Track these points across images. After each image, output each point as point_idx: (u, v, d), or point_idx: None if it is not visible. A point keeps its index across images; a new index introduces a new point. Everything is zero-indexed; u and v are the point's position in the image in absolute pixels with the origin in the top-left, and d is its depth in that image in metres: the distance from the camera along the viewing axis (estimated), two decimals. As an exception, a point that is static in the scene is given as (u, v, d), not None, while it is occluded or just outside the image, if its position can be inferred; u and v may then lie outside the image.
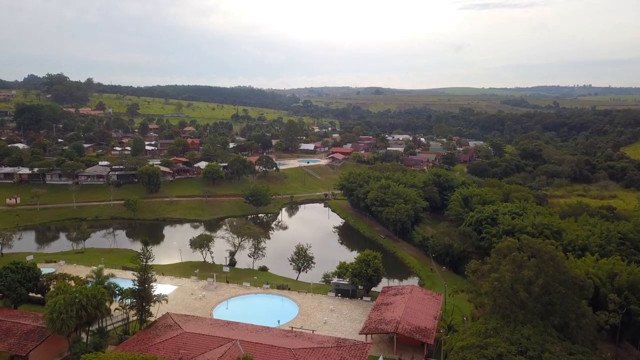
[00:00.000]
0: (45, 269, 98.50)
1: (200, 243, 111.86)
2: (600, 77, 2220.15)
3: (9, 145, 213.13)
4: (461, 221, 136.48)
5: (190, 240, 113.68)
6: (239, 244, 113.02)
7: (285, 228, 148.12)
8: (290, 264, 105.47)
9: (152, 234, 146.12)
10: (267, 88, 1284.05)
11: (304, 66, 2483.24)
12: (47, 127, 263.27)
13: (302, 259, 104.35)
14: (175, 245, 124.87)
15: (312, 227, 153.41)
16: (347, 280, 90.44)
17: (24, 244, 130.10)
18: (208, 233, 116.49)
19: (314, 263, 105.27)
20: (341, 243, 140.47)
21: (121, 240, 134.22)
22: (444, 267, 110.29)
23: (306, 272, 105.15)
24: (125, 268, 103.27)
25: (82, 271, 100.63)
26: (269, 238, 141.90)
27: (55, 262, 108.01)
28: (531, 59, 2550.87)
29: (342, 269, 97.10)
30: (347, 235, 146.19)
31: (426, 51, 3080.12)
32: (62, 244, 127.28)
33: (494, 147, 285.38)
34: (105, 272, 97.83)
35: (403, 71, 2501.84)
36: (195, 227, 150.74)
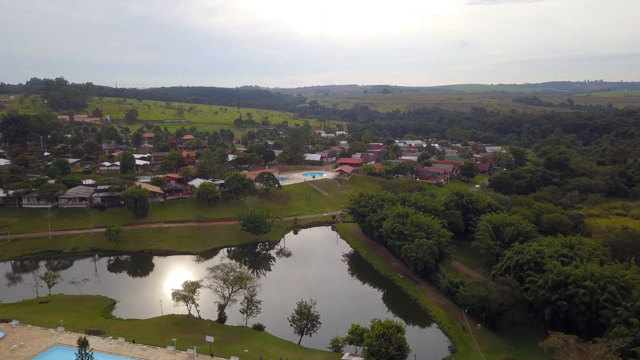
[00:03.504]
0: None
1: (183, 295, 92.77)
2: (611, 72, 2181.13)
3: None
4: (491, 256, 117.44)
5: (173, 291, 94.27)
6: (230, 295, 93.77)
7: (287, 257, 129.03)
8: (291, 325, 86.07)
9: (134, 270, 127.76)
10: (273, 87, 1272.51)
11: (310, 64, 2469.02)
12: (34, 139, 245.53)
13: (305, 319, 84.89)
14: (157, 290, 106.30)
15: (317, 260, 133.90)
16: (363, 358, 70.85)
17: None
18: (194, 279, 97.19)
19: (320, 323, 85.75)
20: (352, 284, 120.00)
21: (95, 283, 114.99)
22: (479, 325, 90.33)
23: (310, 335, 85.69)
24: (90, 332, 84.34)
25: (36, 337, 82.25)
26: (266, 274, 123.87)
27: (7, 321, 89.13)
28: (538, 54, 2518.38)
29: (355, 335, 78.06)
30: (359, 271, 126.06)
31: (432, 47, 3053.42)
32: (26, 289, 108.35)
33: (515, 154, 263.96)
34: (62, 337, 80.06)
35: (409, 68, 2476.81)
36: (184, 263, 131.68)
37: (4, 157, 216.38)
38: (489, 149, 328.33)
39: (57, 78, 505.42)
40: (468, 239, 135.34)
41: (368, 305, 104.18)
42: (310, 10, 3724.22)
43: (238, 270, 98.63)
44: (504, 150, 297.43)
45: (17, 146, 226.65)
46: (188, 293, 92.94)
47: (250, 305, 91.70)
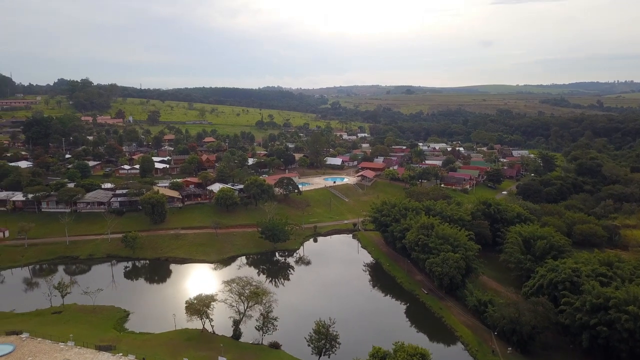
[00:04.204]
0: (1, 347, 79.35)
1: (197, 309, 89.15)
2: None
3: (11, 164, 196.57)
4: (522, 271, 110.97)
5: (187, 303, 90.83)
6: (245, 311, 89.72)
7: (306, 266, 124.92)
8: (309, 345, 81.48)
9: (149, 279, 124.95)
10: (295, 88, 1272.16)
11: (331, 64, 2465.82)
12: (56, 141, 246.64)
13: (323, 339, 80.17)
14: (172, 301, 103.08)
15: (337, 271, 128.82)
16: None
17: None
18: (209, 291, 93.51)
19: (339, 344, 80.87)
20: (374, 299, 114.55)
21: (110, 291, 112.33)
22: (509, 348, 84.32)
23: (329, 356, 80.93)
24: (100, 347, 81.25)
25: (45, 352, 79.53)
26: (284, 284, 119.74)
27: (17, 333, 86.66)
28: (564, 53, 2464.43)
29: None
30: (381, 284, 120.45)
31: (455, 47, 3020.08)
32: (40, 297, 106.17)
33: (544, 159, 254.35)
34: (72, 352, 77.14)
35: (432, 68, 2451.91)
36: (200, 272, 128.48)
37: (27, 159, 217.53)
38: (516, 153, 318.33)
39: (82, 79, 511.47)
40: (496, 250, 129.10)
41: (390, 322, 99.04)
42: (330, 10, 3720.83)
43: (254, 283, 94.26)
44: (532, 155, 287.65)
45: (39, 148, 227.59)
46: (202, 307, 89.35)
47: (266, 322, 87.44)
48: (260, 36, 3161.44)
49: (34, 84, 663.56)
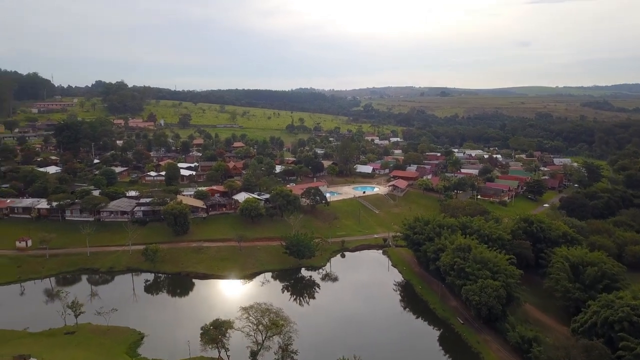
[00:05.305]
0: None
1: (213, 337, 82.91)
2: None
3: (40, 169, 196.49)
4: (569, 301, 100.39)
5: (202, 330, 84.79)
6: (263, 342, 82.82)
7: (332, 285, 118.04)
8: (330, 385, 74.02)
9: (167, 296, 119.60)
10: (328, 89, 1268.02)
11: (364, 65, 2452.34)
12: (86, 146, 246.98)
13: (346, 381, 72.55)
14: (188, 323, 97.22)
15: (365, 293, 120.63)
16: None
17: (11, 312, 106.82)
18: (226, 318, 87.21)
19: (365, 386, 73.05)
20: (404, 326, 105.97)
21: (126, 310, 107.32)
22: (558, 397, 74.45)
23: (352, 398, 73.19)
24: (106, 378, 75.78)
25: (50, 382, 74.56)
26: (309, 302, 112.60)
27: (25, 358, 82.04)
28: (606, 54, 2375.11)
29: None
30: (412, 309, 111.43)
31: (490, 47, 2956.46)
32: (55, 314, 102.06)
33: (588, 169, 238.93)
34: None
35: (466, 69, 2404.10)
36: (220, 290, 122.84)
37: (56, 165, 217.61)
38: (558, 160, 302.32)
39: (117, 81, 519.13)
40: (539, 274, 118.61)
41: (422, 356, 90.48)
42: (363, 10, 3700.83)
43: (274, 310, 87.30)
44: (575, 164, 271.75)
45: (68, 153, 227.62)
46: (218, 336, 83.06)
47: (285, 356, 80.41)
48: (292, 37, 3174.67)
49: (73, 86, 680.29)
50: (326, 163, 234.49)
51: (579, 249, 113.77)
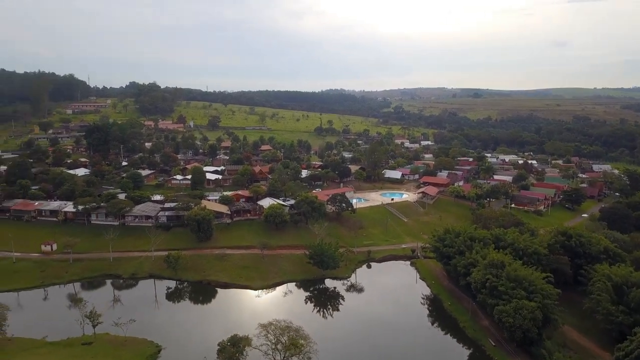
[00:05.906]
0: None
1: (230, 355, 79.61)
2: None
3: (69, 172, 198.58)
4: (612, 324, 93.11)
5: (219, 346, 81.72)
6: (281, 362, 78.92)
7: (357, 297, 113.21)
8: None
9: (188, 305, 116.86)
10: (358, 90, 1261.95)
11: (395, 66, 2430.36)
12: (115, 148, 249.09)
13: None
14: (206, 335, 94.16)
15: (391, 308, 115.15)
16: None
17: (31, 319, 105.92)
18: (244, 333, 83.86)
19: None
20: (432, 346, 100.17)
21: (145, 320, 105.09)
22: None
23: None
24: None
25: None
26: (333, 315, 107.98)
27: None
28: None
29: None
30: (441, 326, 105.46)
31: (525, 47, 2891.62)
32: (74, 323, 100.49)
33: (630, 176, 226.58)
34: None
35: (500, 69, 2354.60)
36: (241, 300, 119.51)
37: (85, 167, 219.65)
38: (597, 167, 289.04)
39: (150, 82, 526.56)
40: (578, 292, 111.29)
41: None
42: (393, 10, 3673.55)
43: (294, 327, 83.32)
44: (616, 170, 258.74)
45: (97, 156, 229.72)
46: (235, 354, 79.70)
47: (304, 378, 76.28)
48: (322, 37, 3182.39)
49: (108, 87, 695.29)
50: (354, 167, 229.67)
51: (622, 267, 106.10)
